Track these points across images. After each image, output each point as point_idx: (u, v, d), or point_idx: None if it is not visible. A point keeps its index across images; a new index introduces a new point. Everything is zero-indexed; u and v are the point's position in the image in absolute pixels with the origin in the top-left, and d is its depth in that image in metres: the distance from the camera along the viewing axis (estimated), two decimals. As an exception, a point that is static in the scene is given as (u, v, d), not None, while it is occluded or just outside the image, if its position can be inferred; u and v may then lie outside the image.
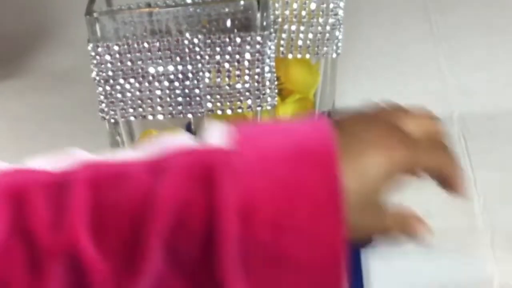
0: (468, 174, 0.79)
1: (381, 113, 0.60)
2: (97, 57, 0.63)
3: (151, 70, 0.63)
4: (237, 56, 0.63)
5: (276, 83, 0.65)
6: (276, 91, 0.66)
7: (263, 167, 0.51)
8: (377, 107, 0.59)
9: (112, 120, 0.66)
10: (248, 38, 0.62)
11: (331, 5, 0.71)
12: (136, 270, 0.49)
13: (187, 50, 0.63)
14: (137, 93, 0.64)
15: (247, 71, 0.63)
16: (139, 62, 0.63)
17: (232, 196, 0.49)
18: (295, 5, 0.71)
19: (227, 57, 0.63)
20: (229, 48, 0.62)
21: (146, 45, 0.62)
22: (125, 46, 0.63)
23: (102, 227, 0.49)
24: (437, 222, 0.73)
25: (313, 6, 0.71)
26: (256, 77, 0.63)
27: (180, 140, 0.53)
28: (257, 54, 0.63)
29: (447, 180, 0.59)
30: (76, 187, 0.49)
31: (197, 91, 0.64)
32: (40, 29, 1.06)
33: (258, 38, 0.62)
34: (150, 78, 0.63)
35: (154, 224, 0.49)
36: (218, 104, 0.64)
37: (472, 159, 0.80)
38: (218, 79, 0.63)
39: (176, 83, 0.64)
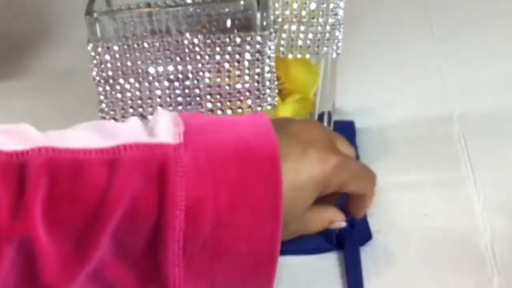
0: (468, 174, 0.79)
1: (317, 123, 0.62)
2: (97, 57, 0.63)
3: (151, 70, 0.63)
4: (237, 56, 0.63)
5: (276, 83, 0.65)
6: (276, 91, 0.66)
7: (210, 165, 0.54)
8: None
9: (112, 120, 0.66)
10: (248, 38, 0.62)
11: (331, 5, 0.71)
12: (85, 257, 0.51)
13: (187, 50, 0.63)
14: (137, 93, 0.64)
15: (247, 71, 0.63)
16: (139, 62, 0.63)
17: (180, 194, 0.52)
18: (295, 5, 0.71)
19: (227, 57, 0.63)
20: (229, 48, 0.62)
21: (146, 45, 0.62)
22: (125, 46, 0.63)
23: (57, 216, 0.51)
24: (437, 222, 0.74)
25: (313, 6, 0.71)
26: (256, 77, 0.63)
27: (131, 127, 0.55)
28: (257, 54, 0.63)
29: (359, 203, 0.65)
30: (32, 173, 0.51)
31: (197, 91, 0.64)
32: (40, 29, 1.06)
33: (258, 38, 0.62)
34: (150, 78, 0.63)
35: (107, 218, 0.51)
36: (218, 104, 0.64)
37: (472, 159, 0.80)
38: (218, 79, 0.63)
39: (176, 83, 0.64)
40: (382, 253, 0.70)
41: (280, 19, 0.72)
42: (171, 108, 0.64)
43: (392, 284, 0.67)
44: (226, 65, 0.63)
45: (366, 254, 0.70)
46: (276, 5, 0.71)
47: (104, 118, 0.65)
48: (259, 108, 0.64)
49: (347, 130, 0.84)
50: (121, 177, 0.51)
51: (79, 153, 0.52)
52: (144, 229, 0.52)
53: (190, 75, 0.63)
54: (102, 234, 0.51)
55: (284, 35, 0.72)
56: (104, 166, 0.52)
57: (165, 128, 0.54)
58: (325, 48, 0.73)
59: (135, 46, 0.62)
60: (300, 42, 0.72)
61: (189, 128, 0.55)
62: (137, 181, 0.52)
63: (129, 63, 0.63)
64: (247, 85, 0.63)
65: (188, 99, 0.64)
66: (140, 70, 0.63)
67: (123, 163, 0.52)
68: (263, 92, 0.64)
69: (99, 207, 0.51)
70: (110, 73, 0.63)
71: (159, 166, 0.52)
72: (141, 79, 0.63)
